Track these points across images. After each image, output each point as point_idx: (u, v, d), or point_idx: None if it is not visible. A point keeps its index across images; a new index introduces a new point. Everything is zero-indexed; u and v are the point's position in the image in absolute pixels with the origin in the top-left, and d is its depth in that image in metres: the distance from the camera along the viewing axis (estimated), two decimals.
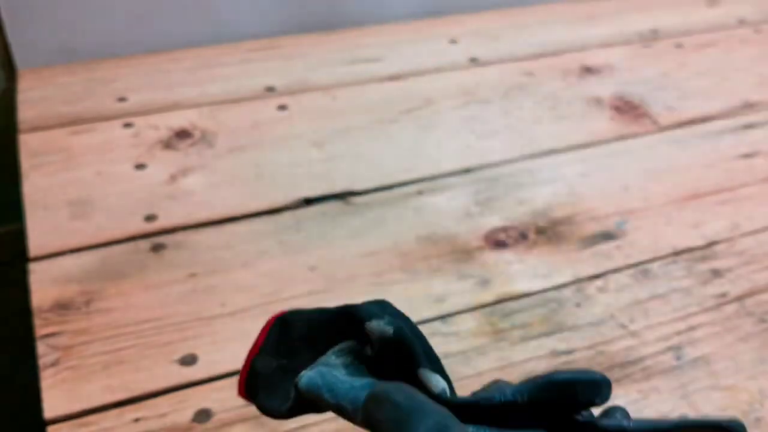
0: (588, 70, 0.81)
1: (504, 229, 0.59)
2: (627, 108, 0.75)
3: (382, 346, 0.30)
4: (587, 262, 0.57)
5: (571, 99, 0.76)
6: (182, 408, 0.45)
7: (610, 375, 0.48)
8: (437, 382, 0.29)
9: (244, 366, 0.33)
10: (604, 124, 0.73)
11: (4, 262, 0.71)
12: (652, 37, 0.89)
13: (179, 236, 0.57)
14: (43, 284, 0.52)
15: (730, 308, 0.53)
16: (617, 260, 0.57)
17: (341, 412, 0.29)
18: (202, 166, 0.64)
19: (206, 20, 0.82)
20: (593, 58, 0.83)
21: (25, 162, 0.63)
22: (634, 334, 0.51)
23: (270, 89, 0.75)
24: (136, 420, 0.44)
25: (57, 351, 0.48)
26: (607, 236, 0.59)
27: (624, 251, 0.58)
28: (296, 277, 0.54)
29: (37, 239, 0.56)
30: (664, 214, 0.62)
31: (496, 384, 0.32)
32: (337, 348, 0.32)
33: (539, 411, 0.29)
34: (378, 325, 0.30)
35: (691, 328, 0.52)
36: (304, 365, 0.31)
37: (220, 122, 0.70)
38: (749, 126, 0.74)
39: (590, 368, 0.48)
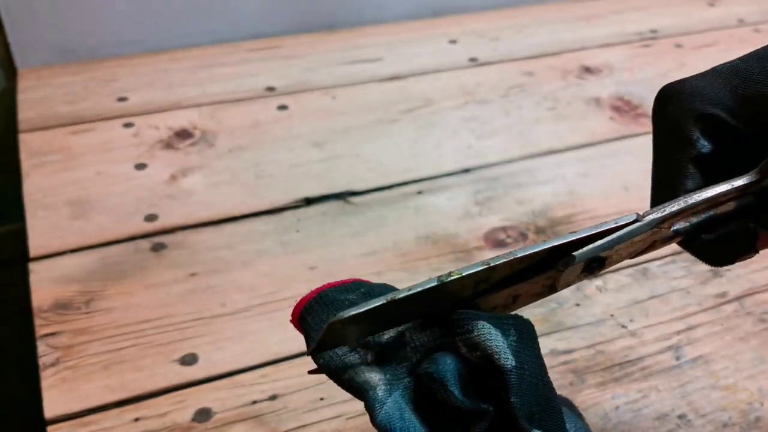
0: (587, 70, 0.81)
1: (504, 229, 0.59)
2: (626, 108, 0.75)
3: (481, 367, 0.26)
4: None
5: (570, 99, 0.76)
6: (182, 408, 0.45)
7: (610, 374, 0.48)
8: None
9: (310, 294, 0.29)
10: (603, 124, 0.73)
11: (4, 262, 0.71)
12: (651, 37, 0.89)
13: (179, 236, 0.57)
14: (43, 284, 0.52)
15: (730, 308, 0.53)
16: None
17: None
18: (202, 166, 0.64)
19: (206, 20, 0.82)
20: (593, 58, 0.83)
21: (25, 162, 0.63)
22: (633, 333, 0.51)
23: (270, 89, 0.75)
24: (136, 420, 0.44)
25: (57, 351, 0.48)
26: None
27: None
28: (296, 277, 0.54)
29: (37, 239, 0.56)
30: None
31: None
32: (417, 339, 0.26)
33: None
34: (495, 344, 0.25)
35: (691, 328, 0.52)
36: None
37: (220, 122, 0.70)
38: None
39: (590, 368, 0.48)
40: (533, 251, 0.27)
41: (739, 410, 0.46)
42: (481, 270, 0.26)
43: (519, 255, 0.26)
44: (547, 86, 0.78)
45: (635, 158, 0.68)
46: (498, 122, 0.72)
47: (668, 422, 0.45)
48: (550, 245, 0.27)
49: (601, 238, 0.28)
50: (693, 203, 0.29)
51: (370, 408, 0.25)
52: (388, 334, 0.27)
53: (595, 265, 0.28)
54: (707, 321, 0.52)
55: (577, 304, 0.53)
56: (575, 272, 0.28)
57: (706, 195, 0.29)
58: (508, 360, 0.25)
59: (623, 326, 0.52)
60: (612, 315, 0.52)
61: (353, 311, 0.24)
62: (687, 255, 0.59)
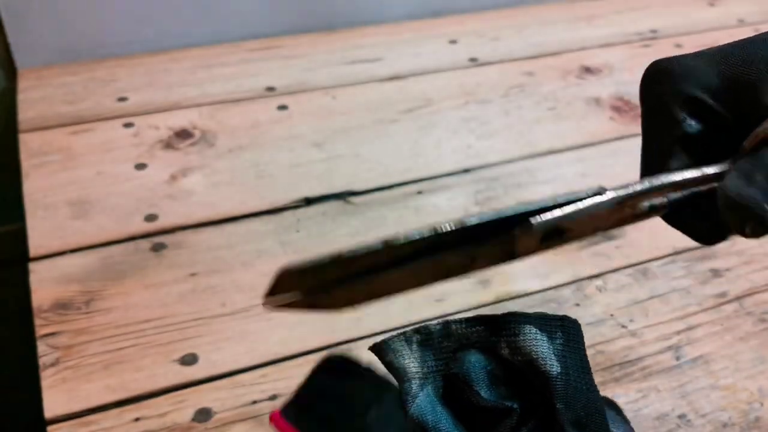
0: (587, 70, 0.81)
1: None
2: (626, 108, 0.75)
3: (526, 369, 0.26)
4: (587, 262, 0.57)
5: (570, 99, 0.76)
6: (182, 407, 0.45)
7: (610, 374, 0.48)
8: None
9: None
10: (603, 124, 0.73)
11: (4, 262, 0.71)
12: (651, 37, 0.89)
13: (179, 236, 0.57)
14: (43, 284, 0.52)
15: (730, 308, 0.53)
16: (617, 260, 0.57)
17: None
18: (202, 166, 0.64)
19: (206, 20, 0.82)
20: (593, 58, 0.83)
21: (25, 162, 0.63)
22: (633, 333, 0.51)
23: (270, 89, 0.75)
24: (136, 420, 0.44)
25: (57, 351, 0.48)
26: (606, 236, 0.59)
27: (623, 251, 0.58)
28: None
29: (37, 239, 0.56)
30: None
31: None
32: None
33: None
34: (541, 350, 0.25)
35: (691, 328, 0.52)
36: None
37: (220, 122, 0.70)
38: None
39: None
40: (485, 220, 0.26)
41: (739, 410, 0.46)
42: (428, 236, 0.25)
43: (469, 224, 0.25)
44: (547, 86, 0.78)
45: (635, 158, 0.68)
46: (498, 122, 0.72)
47: (668, 422, 0.45)
48: (502, 215, 0.26)
49: (559, 208, 0.27)
50: (658, 185, 0.28)
51: (403, 399, 0.26)
52: (437, 322, 0.27)
53: (555, 236, 0.27)
54: (707, 321, 0.52)
55: (577, 304, 0.53)
56: (534, 240, 0.27)
57: (673, 178, 0.29)
58: (553, 366, 0.25)
59: (623, 326, 0.52)
60: (612, 315, 0.52)
61: (302, 264, 0.24)
62: (687, 255, 0.59)
